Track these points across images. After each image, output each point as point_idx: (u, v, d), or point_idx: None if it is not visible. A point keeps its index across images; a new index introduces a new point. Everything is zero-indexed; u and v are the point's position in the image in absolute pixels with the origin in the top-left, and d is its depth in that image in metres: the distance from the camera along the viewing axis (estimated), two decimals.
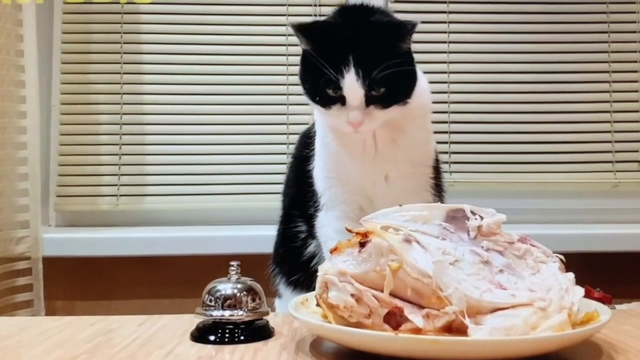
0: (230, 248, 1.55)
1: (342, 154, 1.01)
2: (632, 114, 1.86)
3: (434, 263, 0.64)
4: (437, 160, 1.08)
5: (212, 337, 0.75)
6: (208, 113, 1.81)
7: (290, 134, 1.79)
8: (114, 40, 1.81)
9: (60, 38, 1.80)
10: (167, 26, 1.83)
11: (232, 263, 0.79)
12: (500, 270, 0.67)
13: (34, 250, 1.56)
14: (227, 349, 0.72)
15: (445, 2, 1.85)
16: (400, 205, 0.73)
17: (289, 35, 1.80)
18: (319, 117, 1.04)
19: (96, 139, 1.79)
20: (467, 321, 0.61)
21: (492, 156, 1.83)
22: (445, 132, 1.81)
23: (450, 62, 1.84)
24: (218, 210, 1.78)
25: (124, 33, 1.81)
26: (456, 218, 0.72)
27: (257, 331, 0.76)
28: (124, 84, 1.80)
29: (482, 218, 0.71)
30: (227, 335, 0.75)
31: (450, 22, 1.85)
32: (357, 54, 0.91)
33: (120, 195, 1.78)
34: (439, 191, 1.06)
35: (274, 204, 1.21)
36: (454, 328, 0.62)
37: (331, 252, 0.70)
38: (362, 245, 0.67)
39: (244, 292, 0.76)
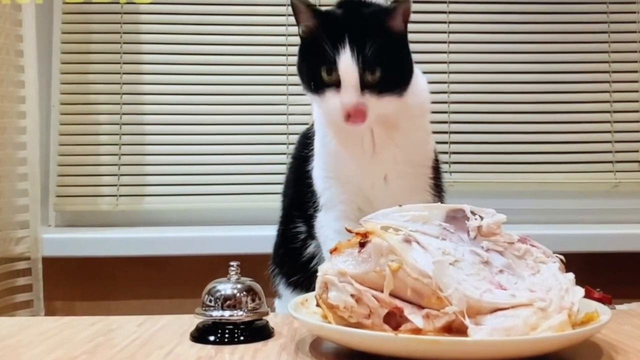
0: (230, 248, 1.55)
1: (341, 154, 1.01)
2: (632, 114, 1.86)
3: (434, 263, 0.64)
4: (436, 161, 1.08)
5: (211, 338, 0.74)
6: (208, 113, 1.81)
7: (290, 134, 1.79)
8: (113, 41, 1.81)
9: (60, 38, 1.80)
10: (167, 26, 1.83)
11: (231, 263, 0.79)
12: (500, 271, 0.67)
13: (34, 250, 1.56)
14: (227, 349, 0.72)
15: (445, 2, 1.85)
16: (400, 206, 0.73)
17: (289, 35, 1.80)
18: (318, 115, 1.04)
19: (96, 139, 1.79)
20: (467, 321, 0.61)
21: (492, 156, 1.83)
22: (445, 132, 1.81)
23: (450, 62, 1.84)
24: (218, 210, 1.78)
25: (124, 33, 1.81)
26: (456, 218, 0.72)
27: (256, 331, 0.76)
28: (123, 84, 1.80)
29: (482, 218, 0.71)
30: (226, 335, 0.74)
31: (450, 22, 1.85)
32: (352, 33, 0.93)
33: (120, 196, 1.78)
34: (438, 191, 1.06)
35: (274, 204, 1.21)
36: (454, 328, 0.62)
37: (331, 252, 0.70)
38: (362, 245, 0.67)
39: (244, 293, 0.76)
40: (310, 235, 1.07)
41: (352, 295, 0.66)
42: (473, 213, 0.72)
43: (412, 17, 0.98)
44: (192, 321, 0.78)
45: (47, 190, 1.76)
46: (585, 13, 1.87)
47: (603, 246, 1.65)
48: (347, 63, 0.92)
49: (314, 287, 0.70)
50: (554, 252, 0.72)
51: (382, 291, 0.65)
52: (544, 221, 1.77)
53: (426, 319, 0.63)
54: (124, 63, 1.80)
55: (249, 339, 0.74)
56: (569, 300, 0.65)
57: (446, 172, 1.63)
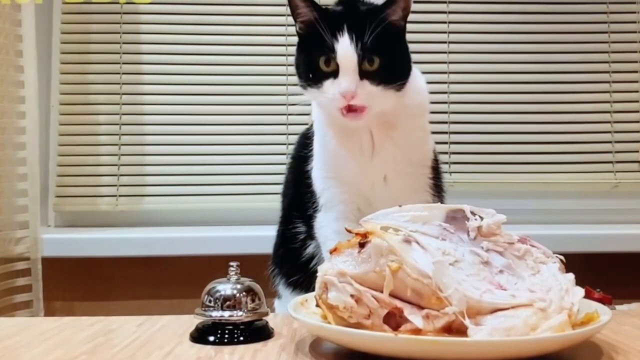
0: (230, 248, 1.55)
1: (341, 154, 1.01)
2: (632, 114, 1.86)
3: (433, 263, 0.64)
4: (436, 161, 1.08)
5: (211, 338, 0.74)
6: (207, 113, 1.81)
7: (289, 134, 1.79)
8: (113, 41, 1.81)
9: (60, 38, 1.80)
10: (167, 26, 1.83)
11: (231, 263, 0.79)
12: (500, 271, 0.67)
13: (33, 250, 1.56)
14: (227, 349, 0.72)
15: (445, 2, 1.85)
16: (400, 206, 0.73)
17: (289, 35, 1.80)
18: (317, 116, 1.04)
19: (95, 139, 1.79)
20: (467, 322, 0.61)
21: (492, 156, 1.83)
22: (445, 132, 1.81)
23: (450, 62, 1.84)
24: (217, 210, 1.78)
25: (123, 33, 1.81)
26: (456, 218, 0.71)
27: (256, 332, 0.76)
28: (123, 84, 1.80)
29: (482, 218, 0.71)
30: (226, 335, 0.74)
31: (450, 22, 1.85)
32: (352, 22, 0.93)
33: (120, 196, 1.78)
34: (438, 191, 1.06)
35: (274, 204, 1.21)
36: (454, 329, 0.62)
37: (331, 252, 0.70)
38: (362, 245, 0.67)
39: (244, 293, 0.76)
40: (310, 235, 1.07)
41: (351, 296, 0.65)
42: (473, 213, 0.72)
43: (412, 17, 0.98)
44: (191, 321, 0.77)
45: (47, 190, 1.76)
46: (585, 13, 1.87)
47: (603, 246, 1.65)
48: (345, 49, 0.92)
49: (314, 288, 0.70)
50: (554, 253, 0.72)
51: (382, 291, 0.65)
52: (544, 221, 1.77)
53: (426, 319, 0.63)
54: (123, 63, 1.80)
55: (249, 340, 0.74)
56: (569, 301, 0.65)
57: (446, 172, 1.63)
